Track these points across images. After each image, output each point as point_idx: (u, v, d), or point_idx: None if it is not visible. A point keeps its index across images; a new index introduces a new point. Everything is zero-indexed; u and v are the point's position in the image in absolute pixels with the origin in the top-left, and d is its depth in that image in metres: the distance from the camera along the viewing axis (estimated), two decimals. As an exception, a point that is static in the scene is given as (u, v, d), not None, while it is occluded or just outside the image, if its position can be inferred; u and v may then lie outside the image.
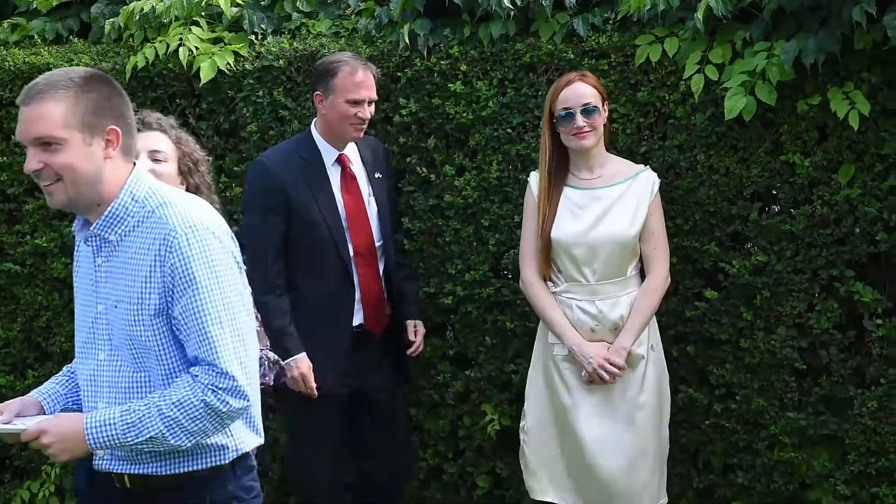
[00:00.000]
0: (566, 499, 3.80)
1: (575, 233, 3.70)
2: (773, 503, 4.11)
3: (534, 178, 3.84)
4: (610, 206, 3.71)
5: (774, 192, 4.00)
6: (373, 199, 3.98)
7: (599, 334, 3.71)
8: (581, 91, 3.68)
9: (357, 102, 3.82)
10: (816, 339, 3.96)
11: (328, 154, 3.91)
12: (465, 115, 4.19)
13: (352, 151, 3.98)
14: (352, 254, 3.89)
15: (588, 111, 3.67)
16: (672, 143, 3.99)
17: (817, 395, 3.98)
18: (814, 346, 3.98)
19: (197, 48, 4.33)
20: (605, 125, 3.78)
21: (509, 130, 4.19)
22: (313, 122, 3.99)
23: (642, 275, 3.80)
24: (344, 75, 3.82)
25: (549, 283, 3.80)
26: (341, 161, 3.93)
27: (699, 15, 3.83)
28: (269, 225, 3.84)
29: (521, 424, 3.93)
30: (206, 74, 4.28)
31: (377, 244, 3.97)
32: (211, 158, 4.41)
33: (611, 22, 4.10)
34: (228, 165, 4.45)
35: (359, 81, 3.82)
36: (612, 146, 4.01)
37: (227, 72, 4.34)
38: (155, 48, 4.36)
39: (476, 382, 4.32)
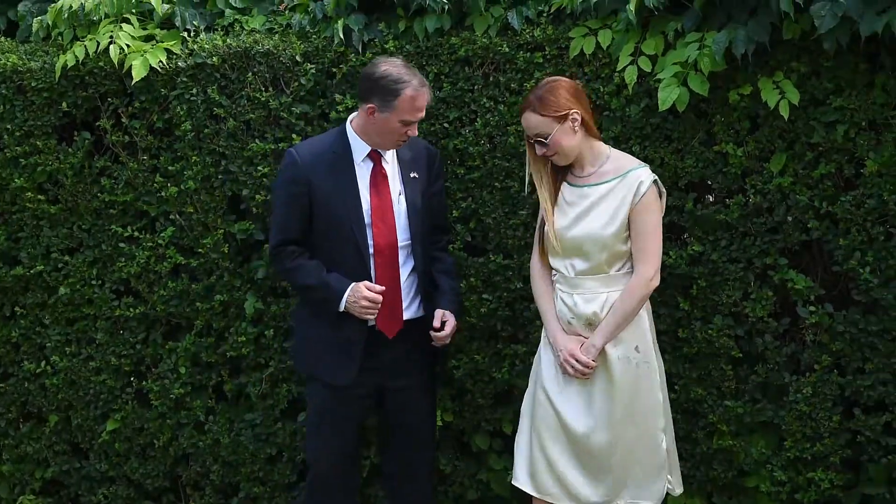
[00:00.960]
0: (540, 489, 3.75)
1: (558, 228, 3.69)
2: (713, 491, 4.16)
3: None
4: (594, 204, 3.68)
5: (709, 183, 4.03)
6: (402, 198, 3.86)
7: (575, 327, 3.69)
8: (529, 124, 3.66)
9: (411, 123, 3.75)
10: (752, 327, 4.01)
11: (360, 150, 3.82)
12: (401, 110, 4.18)
13: (391, 153, 3.89)
14: (371, 251, 3.81)
15: (539, 142, 3.65)
16: (608, 136, 4.00)
17: (754, 382, 4.02)
18: (750, 335, 4.02)
19: (128, 46, 4.27)
20: (583, 124, 3.65)
21: (446, 125, 4.18)
22: (350, 118, 3.88)
23: None
24: (407, 98, 3.68)
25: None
26: (373, 157, 3.84)
27: (631, 7, 3.85)
28: (293, 214, 3.80)
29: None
30: (138, 73, 4.22)
31: (402, 244, 3.85)
32: (146, 158, 4.40)
33: (545, 15, 4.11)
34: (163, 164, 4.40)
35: (420, 106, 3.73)
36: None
37: (159, 70, 4.29)
38: (85, 46, 4.29)
39: (418, 378, 4.30)
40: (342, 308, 3.76)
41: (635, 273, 3.65)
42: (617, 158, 3.75)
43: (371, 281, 3.79)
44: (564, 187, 3.75)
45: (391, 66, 3.73)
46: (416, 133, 3.79)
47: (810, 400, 3.94)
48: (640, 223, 3.65)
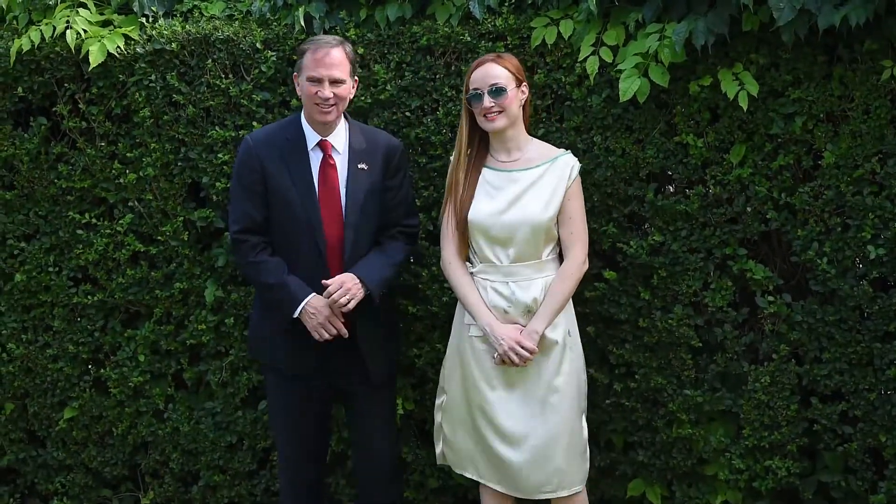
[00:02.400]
0: (483, 475, 3.80)
1: (488, 213, 3.69)
2: (673, 479, 4.20)
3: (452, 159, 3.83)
4: (526, 188, 3.70)
5: (669, 173, 4.06)
6: (344, 190, 3.78)
7: (512, 316, 3.70)
8: (490, 72, 3.66)
9: (317, 80, 3.70)
10: (711, 316, 4.05)
11: (311, 137, 3.78)
12: (363, 98, 4.16)
13: (339, 138, 3.82)
14: (327, 242, 3.75)
15: (495, 92, 3.64)
16: (569, 126, 4.02)
17: (713, 371, 4.06)
18: (709, 324, 4.06)
19: (85, 31, 4.21)
20: (523, 107, 3.74)
21: (408, 114, 4.17)
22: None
23: (561, 259, 3.77)
24: (308, 53, 3.72)
25: (468, 264, 3.80)
26: (322, 147, 3.79)
27: (592, -3, 3.87)
28: (251, 201, 3.75)
29: (437, 402, 3.92)
30: (95, 58, 4.17)
31: (346, 238, 3.76)
32: (103, 144, 4.35)
33: (506, 4, 4.10)
34: (121, 151, 4.35)
35: (318, 58, 3.69)
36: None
37: (117, 55, 4.24)
38: (41, 31, 4.23)
39: (379, 367, 4.30)
40: (296, 315, 3.71)
41: (569, 257, 3.71)
42: (539, 146, 3.81)
43: (327, 276, 3.72)
44: (486, 172, 3.75)
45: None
46: (328, 95, 3.69)
47: (768, 389, 3.99)
48: (570, 208, 3.71)
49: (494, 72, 3.66)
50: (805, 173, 3.94)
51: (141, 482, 4.67)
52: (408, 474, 4.42)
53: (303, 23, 4.16)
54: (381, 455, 3.97)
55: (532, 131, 4.01)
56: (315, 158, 3.79)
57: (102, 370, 4.51)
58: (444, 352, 4.23)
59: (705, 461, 4.14)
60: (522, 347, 3.64)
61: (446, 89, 4.13)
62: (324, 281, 3.69)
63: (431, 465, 4.37)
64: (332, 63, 3.70)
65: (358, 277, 3.71)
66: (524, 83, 3.72)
